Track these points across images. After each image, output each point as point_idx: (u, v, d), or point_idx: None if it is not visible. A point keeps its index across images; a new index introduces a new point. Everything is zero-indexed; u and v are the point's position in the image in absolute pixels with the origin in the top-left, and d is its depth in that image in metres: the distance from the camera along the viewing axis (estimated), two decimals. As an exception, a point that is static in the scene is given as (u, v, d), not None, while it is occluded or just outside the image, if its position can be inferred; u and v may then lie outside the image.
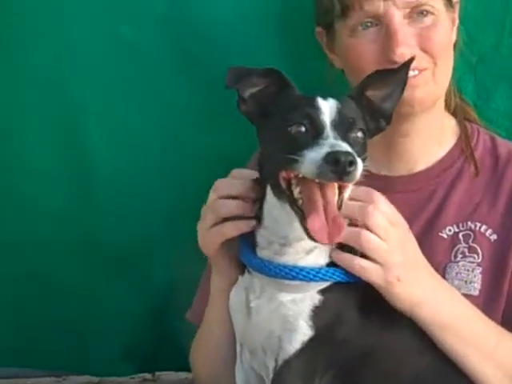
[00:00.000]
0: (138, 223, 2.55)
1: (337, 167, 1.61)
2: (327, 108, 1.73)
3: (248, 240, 1.86)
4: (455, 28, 2.17)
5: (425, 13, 2.05)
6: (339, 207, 1.71)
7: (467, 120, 2.26)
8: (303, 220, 1.69)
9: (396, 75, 1.88)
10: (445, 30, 2.10)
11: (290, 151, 1.67)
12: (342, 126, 1.71)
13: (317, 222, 1.67)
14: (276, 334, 1.80)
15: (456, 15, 2.17)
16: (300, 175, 1.68)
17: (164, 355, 2.65)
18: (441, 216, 2.14)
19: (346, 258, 1.80)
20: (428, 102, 2.09)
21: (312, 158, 1.64)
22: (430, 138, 2.17)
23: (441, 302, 1.89)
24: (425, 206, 2.15)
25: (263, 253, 1.83)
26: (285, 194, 1.73)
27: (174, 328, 2.46)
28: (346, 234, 1.72)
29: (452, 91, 2.25)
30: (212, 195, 1.90)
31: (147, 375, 3.25)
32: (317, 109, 1.72)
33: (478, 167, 2.16)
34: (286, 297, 1.80)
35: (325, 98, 1.75)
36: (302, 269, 1.79)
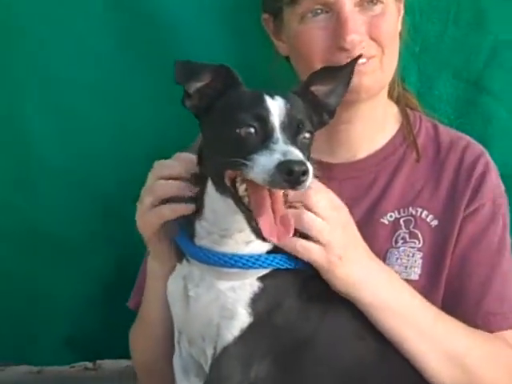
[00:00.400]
0: (79, 212, 2.51)
1: (290, 177, 1.59)
2: (276, 108, 1.70)
3: (187, 229, 1.84)
4: (401, 17, 2.17)
5: (374, 1, 2.05)
6: (285, 202, 1.71)
7: (410, 108, 2.26)
8: (251, 220, 1.67)
9: (342, 71, 1.88)
10: (393, 18, 2.11)
11: (238, 154, 1.64)
12: (291, 129, 1.69)
13: (267, 223, 1.66)
14: (215, 322, 1.79)
15: (402, 5, 2.17)
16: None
17: (105, 343, 2.62)
18: (382, 202, 2.14)
19: (288, 240, 1.78)
20: (374, 89, 2.09)
21: (264, 164, 1.61)
22: (372, 125, 2.18)
23: (380, 283, 1.90)
24: (366, 193, 2.15)
25: (202, 242, 1.82)
26: (229, 191, 1.71)
27: (115, 316, 2.43)
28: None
29: (395, 79, 2.25)
30: (151, 176, 1.88)
31: (88, 364, 3.22)
32: (266, 110, 1.69)
33: (420, 154, 2.16)
34: (224, 285, 1.79)
35: (272, 95, 1.72)
36: (241, 256, 1.78)
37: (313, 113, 1.81)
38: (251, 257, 1.78)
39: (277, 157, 1.61)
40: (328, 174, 2.07)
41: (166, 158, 1.93)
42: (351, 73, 1.87)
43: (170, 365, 1.98)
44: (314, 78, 1.84)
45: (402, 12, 2.18)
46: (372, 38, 2.05)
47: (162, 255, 1.94)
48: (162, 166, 1.88)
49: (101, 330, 2.61)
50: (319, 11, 2.04)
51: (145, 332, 2.11)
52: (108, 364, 3.08)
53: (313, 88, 1.84)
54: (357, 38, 2.01)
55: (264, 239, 1.66)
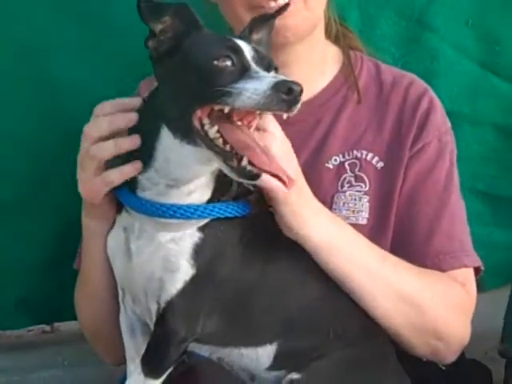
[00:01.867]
0: (23, 173, 2.46)
1: (289, 96, 1.58)
2: (242, 44, 1.69)
3: (127, 180, 1.80)
4: None
5: None
6: None
7: (350, 48, 2.22)
8: (230, 160, 1.64)
9: (269, 20, 1.86)
10: None
11: (218, 84, 1.61)
12: (263, 64, 1.68)
13: (259, 157, 1.64)
14: (157, 276, 1.75)
15: None
16: (215, 112, 1.63)
17: (61, 305, 2.58)
18: (326, 146, 2.11)
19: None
20: (302, 29, 2.03)
21: (256, 88, 1.59)
22: (311, 67, 2.13)
23: (326, 223, 1.87)
24: (310, 137, 2.12)
25: (145, 193, 1.78)
26: (198, 135, 1.67)
27: (68, 277, 2.40)
28: None
29: (332, 18, 2.20)
30: (84, 142, 1.81)
31: (46, 327, 3.18)
32: (238, 44, 1.69)
33: (361, 94, 2.13)
34: (165, 236, 1.76)
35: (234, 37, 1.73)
36: (179, 207, 1.75)
37: None
38: (189, 207, 1.75)
39: (270, 79, 1.60)
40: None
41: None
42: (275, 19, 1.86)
43: (117, 326, 1.96)
44: (253, 26, 1.82)
45: None
46: None
47: (104, 214, 1.89)
48: (92, 128, 1.80)
49: (56, 292, 2.58)
50: None
51: (88, 294, 2.07)
52: (66, 326, 3.04)
53: (253, 36, 1.82)
54: None
55: (246, 177, 1.63)
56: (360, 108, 2.13)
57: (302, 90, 1.59)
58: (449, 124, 2.15)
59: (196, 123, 1.66)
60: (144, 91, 1.93)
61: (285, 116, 1.64)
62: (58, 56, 2.40)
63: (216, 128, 1.65)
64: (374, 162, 2.09)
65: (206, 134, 1.66)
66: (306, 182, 1.88)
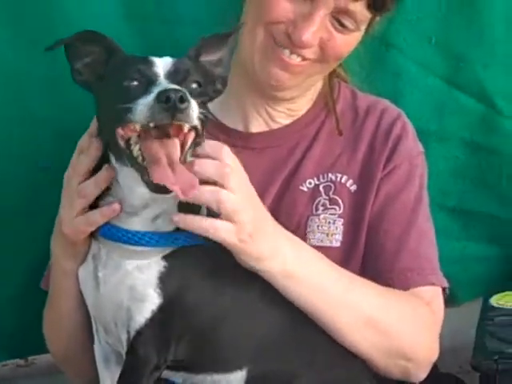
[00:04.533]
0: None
1: (168, 104, 1.58)
2: (161, 62, 1.70)
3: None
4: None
5: (350, 27, 2.02)
6: (183, 163, 1.67)
7: (336, 77, 2.24)
8: (144, 174, 1.65)
9: (227, 40, 1.86)
10: (353, 44, 2.08)
11: (124, 102, 1.63)
12: (177, 77, 1.68)
13: (161, 170, 1.63)
14: (125, 305, 1.75)
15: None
16: (137, 130, 1.64)
17: (35, 338, 2.55)
18: (301, 169, 2.12)
19: (194, 221, 1.74)
20: (283, 87, 2.05)
21: (143, 103, 1.61)
22: (301, 99, 2.16)
23: (287, 253, 1.86)
24: (285, 161, 2.13)
25: (110, 221, 1.78)
26: (124, 154, 1.68)
27: (41, 309, 2.38)
28: (206, 192, 1.70)
29: None
30: (72, 179, 1.81)
31: (19, 361, 3.16)
32: (150, 62, 1.70)
33: (339, 120, 2.15)
34: (131, 264, 1.75)
35: (160, 56, 1.72)
36: (144, 234, 1.74)
37: (206, 82, 1.78)
38: (154, 234, 1.75)
39: (155, 91, 1.61)
40: (244, 143, 2.06)
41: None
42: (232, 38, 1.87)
43: (86, 354, 1.96)
44: (201, 46, 1.82)
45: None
46: (321, 48, 2.02)
47: (79, 252, 1.88)
48: (78, 166, 1.81)
49: (29, 325, 2.54)
50: None
51: (56, 323, 2.06)
52: (41, 359, 3.01)
53: (201, 58, 1.82)
54: (311, 41, 1.98)
55: (159, 191, 1.63)
56: (336, 134, 2.15)
57: (182, 97, 1.59)
58: (421, 148, 2.19)
59: (120, 141, 1.68)
60: None
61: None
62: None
63: (138, 146, 1.66)
64: (348, 184, 2.11)
65: (131, 152, 1.67)
66: (266, 218, 1.86)
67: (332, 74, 2.21)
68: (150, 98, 1.61)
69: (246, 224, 1.77)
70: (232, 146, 1.79)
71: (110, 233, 1.77)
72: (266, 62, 2.02)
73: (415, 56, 2.54)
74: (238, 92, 2.12)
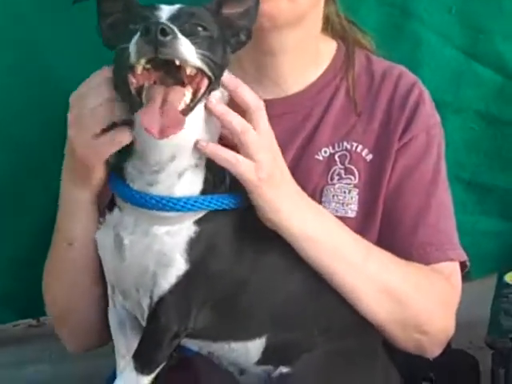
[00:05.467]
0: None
1: (148, 36, 1.56)
2: (168, 8, 1.69)
3: (118, 172, 1.79)
4: None
5: None
6: (190, 109, 1.66)
7: (359, 46, 2.20)
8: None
9: None
10: None
11: (126, 43, 1.62)
12: (179, 19, 1.66)
13: (149, 113, 1.62)
14: (150, 270, 1.74)
15: None
16: (144, 76, 1.63)
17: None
18: (316, 138, 2.10)
19: (218, 149, 1.73)
20: (280, 18, 1.98)
21: (133, 40, 1.60)
22: (300, 58, 2.10)
23: (308, 215, 1.85)
24: (300, 129, 2.10)
25: (134, 185, 1.76)
26: (136, 103, 1.66)
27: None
28: (235, 120, 1.71)
29: (334, 13, 2.18)
30: (86, 99, 1.75)
31: (32, 321, 3.16)
32: (156, 8, 1.69)
33: (355, 86, 2.12)
34: (160, 230, 1.74)
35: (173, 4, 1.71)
36: (178, 199, 1.73)
37: (229, 34, 1.77)
38: (189, 199, 1.73)
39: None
40: None
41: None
42: None
43: (86, 312, 1.97)
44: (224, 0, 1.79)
45: None
46: None
47: (92, 181, 1.85)
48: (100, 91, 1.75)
49: (41, 286, 2.56)
50: None
51: (60, 273, 2.02)
52: (52, 321, 3.03)
53: (224, 11, 1.78)
54: None
55: (147, 131, 1.61)
56: (351, 98, 2.12)
57: (164, 30, 1.56)
58: (438, 117, 2.15)
59: (132, 88, 1.66)
60: None
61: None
62: (58, 55, 2.37)
63: (145, 93, 1.65)
64: (363, 154, 2.09)
65: (141, 100, 1.66)
66: (287, 175, 1.85)
67: (351, 41, 2.18)
68: (137, 35, 1.59)
69: (265, 163, 1.75)
70: None
71: (142, 200, 1.73)
72: None
73: (435, 26, 2.53)
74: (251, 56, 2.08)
